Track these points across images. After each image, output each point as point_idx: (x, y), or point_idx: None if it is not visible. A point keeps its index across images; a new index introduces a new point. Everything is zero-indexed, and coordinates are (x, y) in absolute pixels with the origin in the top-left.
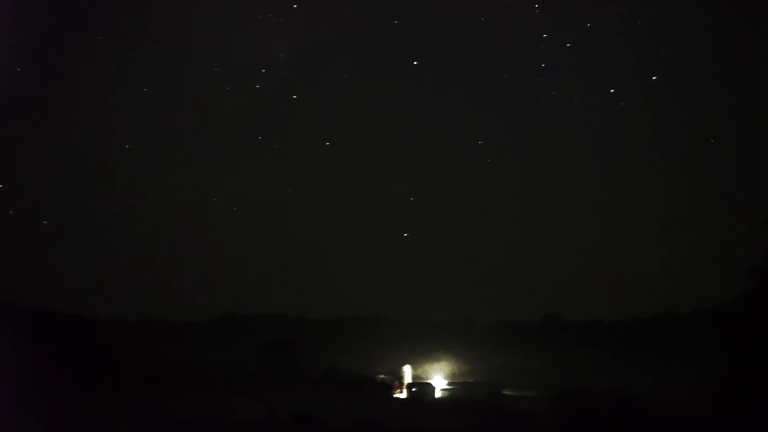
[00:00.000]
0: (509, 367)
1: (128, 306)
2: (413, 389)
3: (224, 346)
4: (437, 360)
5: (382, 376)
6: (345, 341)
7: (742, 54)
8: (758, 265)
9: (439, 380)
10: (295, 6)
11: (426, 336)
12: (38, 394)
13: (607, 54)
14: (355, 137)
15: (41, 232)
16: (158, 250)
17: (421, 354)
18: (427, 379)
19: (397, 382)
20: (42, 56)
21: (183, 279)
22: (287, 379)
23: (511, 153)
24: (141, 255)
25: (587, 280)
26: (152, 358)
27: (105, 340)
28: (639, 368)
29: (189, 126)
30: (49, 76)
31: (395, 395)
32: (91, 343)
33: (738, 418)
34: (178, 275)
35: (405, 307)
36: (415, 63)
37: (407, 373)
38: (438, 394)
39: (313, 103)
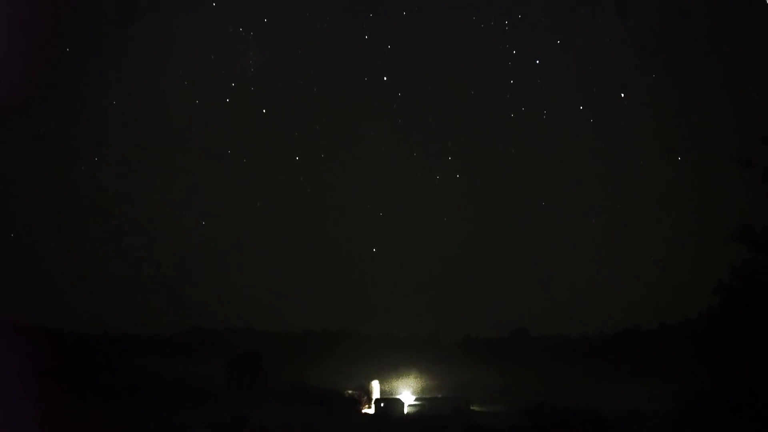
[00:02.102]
0: (477, 382)
1: (92, 318)
2: (381, 404)
3: (190, 359)
4: (405, 375)
5: (350, 391)
6: (312, 356)
7: (711, 74)
8: (724, 281)
9: (407, 395)
10: (265, 20)
11: (394, 351)
12: None
13: (576, 71)
14: (323, 152)
15: (7, 244)
16: (124, 263)
17: (389, 369)
18: (395, 394)
19: (365, 398)
20: (8, 69)
21: (149, 292)
22: (254, 394)
23: (479, 168)
24: (107, 267)
25: (554, 295)
26: (117, 371)
27: (69, 352)
28: (606, 383)
29: (158, 139)
30: (17, 89)
31: (363, 410)
32: (54, 355)
33: None
34: (144, 288)
35: (372, 321)
36: (384, 78)
37: (375, 388)
38: (406, 409)
39: (282, 117)
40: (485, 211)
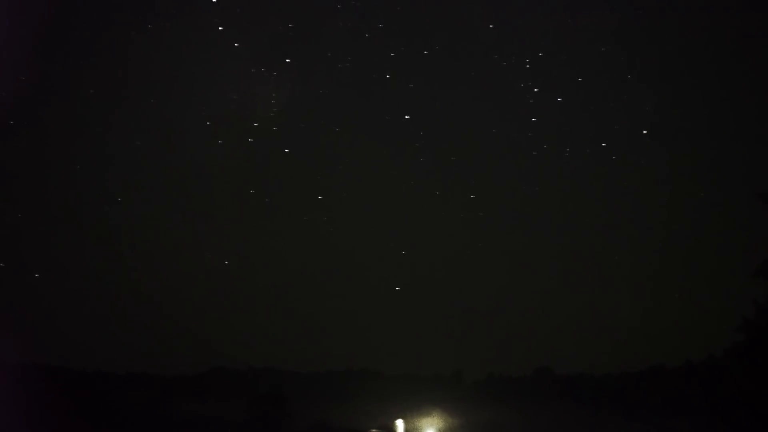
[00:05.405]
0: (500, 421)
1: (116, 359)
2: None
3: (213, 399)
4: (429, 414)
5: (373, 431)
6: (336, 395)
7: (734, 110)
8: (749, 318)
9: None
10: (287, 60)
11: (417, 390)
12: None
13: (598, 108)
14: (346, 191)
15: (28, 286)
16: (147, 303)
17: (412, 408)
18: None
19: None
20: (36, 109)
21: (172, 332)
22: None
23: (502, 207)
24: (130, 307)
25: (578, 333)
26: (140, 412)
27: (92, 393)
28: (630, 422)
29: (180, 179)
30: (38, 129)
31: None
32: (78, 396)
33: None
34: (167, 328)
35: (395, 360)
36: (406, 117)
37: (399, 427)
38: None
39: (305, 157)
40: (508, 248)
